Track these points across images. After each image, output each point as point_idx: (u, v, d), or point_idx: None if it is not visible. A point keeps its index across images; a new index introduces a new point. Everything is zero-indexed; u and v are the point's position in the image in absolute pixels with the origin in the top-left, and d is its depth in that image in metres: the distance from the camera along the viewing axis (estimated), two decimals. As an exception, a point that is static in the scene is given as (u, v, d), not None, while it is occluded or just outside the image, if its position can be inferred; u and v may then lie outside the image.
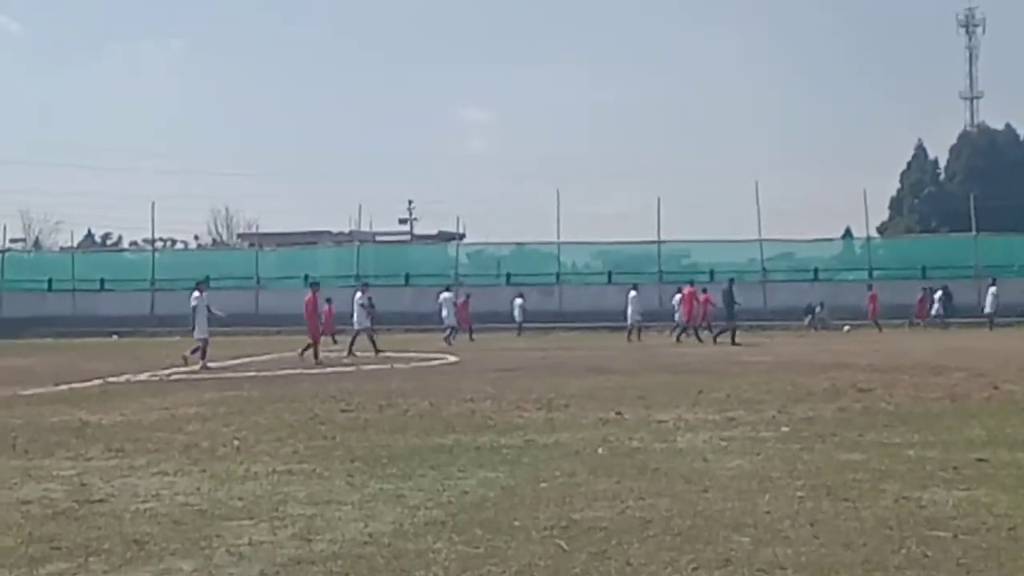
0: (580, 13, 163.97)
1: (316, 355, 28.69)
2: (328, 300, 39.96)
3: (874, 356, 26.58)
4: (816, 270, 56.77)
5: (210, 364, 26.00)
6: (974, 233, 58.07)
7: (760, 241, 57.35)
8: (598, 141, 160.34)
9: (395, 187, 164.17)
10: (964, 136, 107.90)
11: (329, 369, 25.16)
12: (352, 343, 31.56)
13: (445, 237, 73.26)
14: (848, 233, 69.79)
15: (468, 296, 46.86)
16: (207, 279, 30.55)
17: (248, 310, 55.89)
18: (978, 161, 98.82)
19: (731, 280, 39.33)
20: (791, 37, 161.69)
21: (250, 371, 24.42)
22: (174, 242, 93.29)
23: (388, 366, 25.64)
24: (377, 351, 30.18)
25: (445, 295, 42.15)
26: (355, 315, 32.70)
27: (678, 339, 39.29)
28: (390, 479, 9.37)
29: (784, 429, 12.35)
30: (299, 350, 29.35)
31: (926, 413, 13.82)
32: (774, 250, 58.72)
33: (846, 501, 8.13)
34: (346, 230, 75.92)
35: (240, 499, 8.59)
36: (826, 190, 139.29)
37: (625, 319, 42.80)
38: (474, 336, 43.32)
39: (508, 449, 11.11)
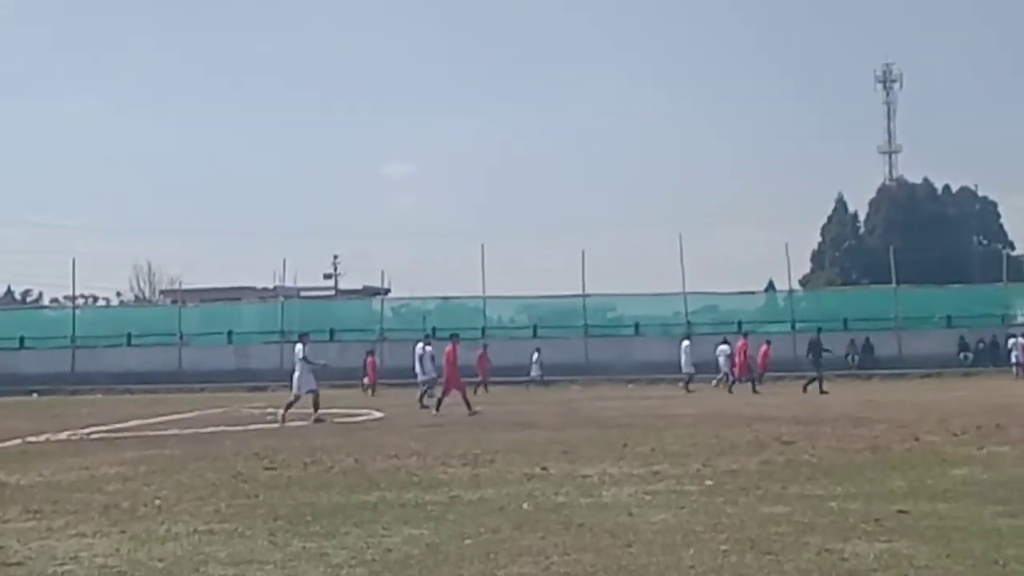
0: (503, 68, 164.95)
1: (468, 404, 28.26)
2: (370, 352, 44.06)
3: (797, 409, 26.77)
4: (740, 323, 57.11)
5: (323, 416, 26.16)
6: (894, 285, 58.89)
7: (684, 294, 57.70)
8: (523, 196, 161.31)
9: (319, 242, 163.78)
10: (883, 190, 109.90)
11: (253, 427, 24.91)
12: (440, 399, 30.17)
13: (370, 292, 73.06)
14: (771, 286, 70.50)
15: (486, 347, 46.25)
16: (308, 332, 30.56)
17: (171, 367, 55.45)
18: (897, 214, 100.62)
19: (819, 330, 40.69)
20: (714, 92, 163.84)
21: (173, 429, 24.08)
22: (96, 299, 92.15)
23: (309, 422, 25.48)
24: (437, 405, 29.16)
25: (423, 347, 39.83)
26: (419, 367, 31.92)
27: (754, 390, 39.09)
28: (313, 537, 9.29)
29: (708, 482, 12.39)
30: (461, 403, 28.62)
31: (848, 465, 13.94)
32: (698, 303, 59.10)
33: (769, 554, 8.16)
34: (270, 285, 75.58)
35: (160, 560, 8.47)
36: (749, 243, 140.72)
37: (680, 370, 43.20)
38: (488, 388, 42.97)
39: (433, 506, 11.06)
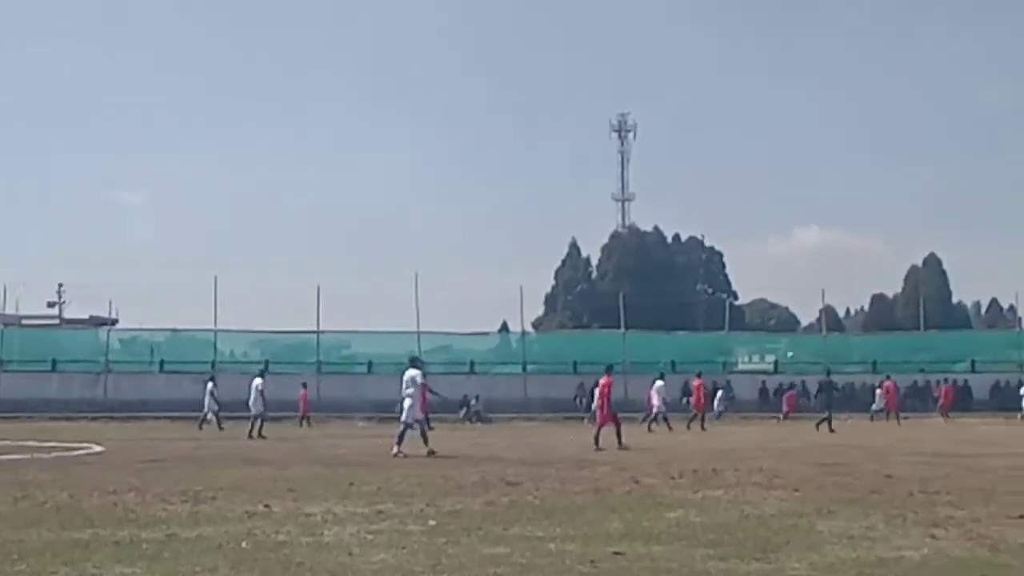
0: (237, 103, 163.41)
1: (620, 440, 27.94)
2: (304, 385, 43.63)
3: (525, 450, 27.13)
4: (472, 363, 57.75)
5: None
6: (623, 330, 60.53)
7: (419, 333, 58.00)
8: (257, 227, 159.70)
9: (44, 270, 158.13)
10: (615, 236, 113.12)
11: None
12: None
13: (96, 322, 70.96)
14: (505, 327, 71.62)
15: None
16: (419, 357, 28.13)
17: None
18: (628, 260, 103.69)
19: (828, 372, 44.25)
20: (453, 133, 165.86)
21: None
22: None
23: (29, 455, 24.49)
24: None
25: (258, 380, 37.91)
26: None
27: (702, 427, 42.94)
28: (18, 577, 8.91)
29: (431, 523, 12.40)
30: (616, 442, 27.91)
31: (570, 506, 14.15)
32: (432, 342, 59.54)
33: (486, 595, 8.22)
34: (-11, 313, 72.49)
35: None
36: (485, 285, 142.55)
37: (648, 408, 43.52)
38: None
39: (148, 543, 10.74)
